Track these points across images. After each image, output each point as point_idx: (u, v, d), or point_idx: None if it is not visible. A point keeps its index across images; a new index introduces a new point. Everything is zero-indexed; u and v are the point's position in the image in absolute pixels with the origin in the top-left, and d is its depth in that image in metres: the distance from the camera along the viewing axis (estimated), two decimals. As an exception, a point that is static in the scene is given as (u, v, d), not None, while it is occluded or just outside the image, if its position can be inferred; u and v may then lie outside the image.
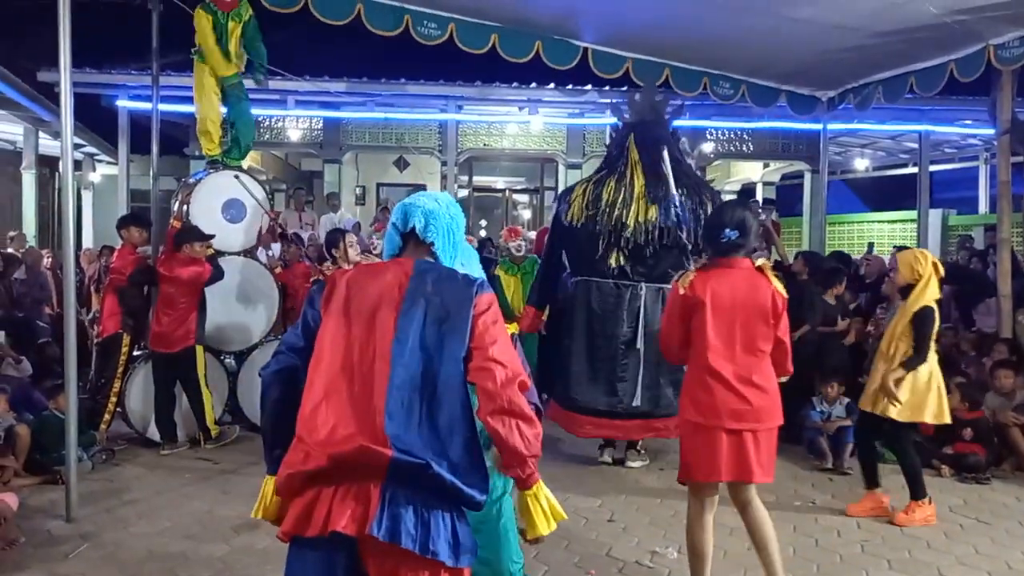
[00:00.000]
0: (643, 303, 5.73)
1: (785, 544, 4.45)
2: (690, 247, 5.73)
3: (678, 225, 5.67)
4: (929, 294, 4.72)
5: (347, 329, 2.05)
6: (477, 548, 2.03)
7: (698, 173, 6.44)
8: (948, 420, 4.89)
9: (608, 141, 6.43)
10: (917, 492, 4.83)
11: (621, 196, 5.74)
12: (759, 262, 3.52)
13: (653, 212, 5.65)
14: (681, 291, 3.43)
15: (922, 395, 4.73)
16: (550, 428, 6.67)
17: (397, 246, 2.33)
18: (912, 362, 4.66)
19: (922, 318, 4.66)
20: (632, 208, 5.68)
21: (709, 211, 5.74)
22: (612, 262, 5.71)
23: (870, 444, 5.14)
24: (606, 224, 5.69)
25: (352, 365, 2.00)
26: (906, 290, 4.81)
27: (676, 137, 6.31)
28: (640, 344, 5.69)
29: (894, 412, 4.71)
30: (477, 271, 2.59)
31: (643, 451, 6.12)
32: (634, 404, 5.70)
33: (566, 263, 6.21)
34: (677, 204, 5.68)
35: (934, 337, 4.74)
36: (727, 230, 3.42)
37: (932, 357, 4.75)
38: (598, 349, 5.78)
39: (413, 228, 2.27)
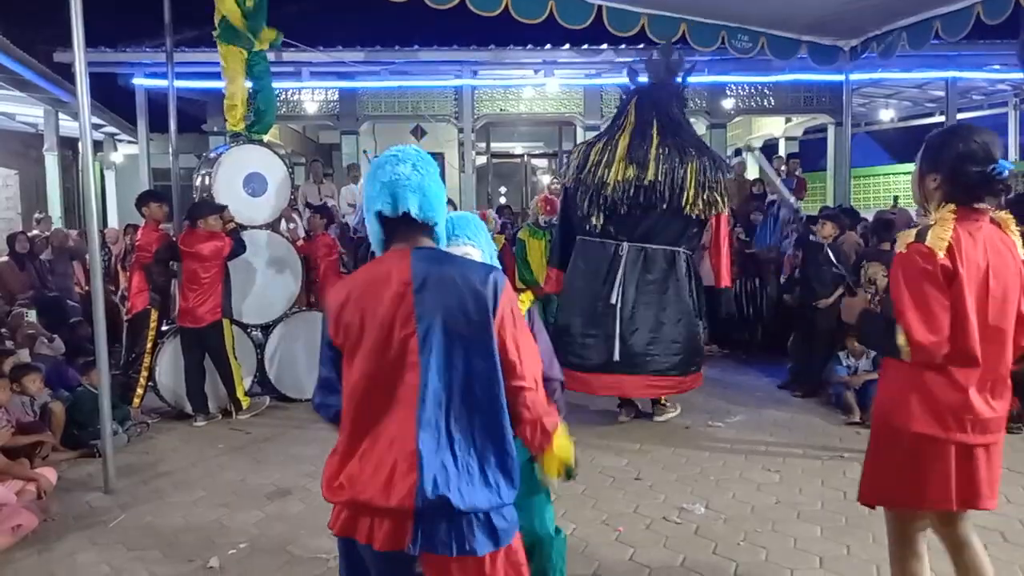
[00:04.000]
0: (624, 261, 5.86)
1: (813, 498, 4.48)
2: (665, 207, 5.77)
3: (659, 183, 5.71)
4: None
5: (365, 358, 1.93)
6: (516, 519, 2.03)
7: (696, 134, 6.44)
8: None
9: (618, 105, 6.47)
10: None
11: (605, 157, 5.90)
12: (995, 213, 2.52)
13: (631, 172, 5.76)
14: (940, 255, 2.35)
15: None
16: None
17: (382, 235, 2.04)
18: None
19: None
20: (613, 168, 5.82)
21: (696, 168, 5.75)
22: (594, 220, 5.88)
23: None
24: (590, 184, 5.87)
25: (376, 399, 1.92)
26: None
27: (681, 96, 6.32)
28: (616, 300, 5.79)
29: None
30: (487, 245, 2.43)
31: (668, 403, 6.18)
32: (614, 359, 5.76)
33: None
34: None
35: None
36: (1001, 162, 2.41)
37: None
38: (588, 306, 5.95)
39: (406, 212, 1.99)
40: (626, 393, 6.01)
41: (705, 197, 5.81)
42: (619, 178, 5.76)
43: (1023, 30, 7.30)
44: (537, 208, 7.35)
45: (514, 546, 2.00)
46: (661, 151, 5.80)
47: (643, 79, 6.27)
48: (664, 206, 5.76)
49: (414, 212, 1.98)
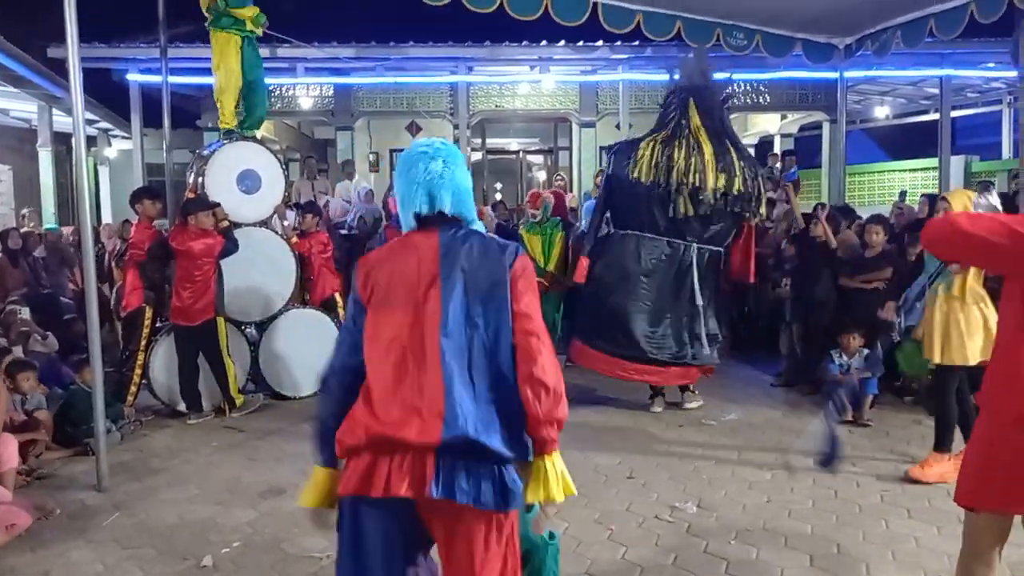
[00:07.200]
0: (693, 263, 6.06)
1: (804, 496, 4.50)
2: (748, 216, 6.14)
3: (746, 195, 6.02)
4: None
5: (394, 313, 2.05)
6: (520, 488, 2.09)
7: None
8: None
9: (662, 101, 6.58)
10: (941, 444, 4.66)
11: (694, 162, 5.95)
12: None
13: (722, 180, 5.95)
14: None
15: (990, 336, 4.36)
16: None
17: (414, 227, 2.15)
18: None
19: None
20: (709, 175, 5.93)
21: (762, 181, 6.19)
22: (695, 225, 6.02)
23: (967, 398, 4.61)
24: (684, 186, 5.93)
25: (404, 348, 2.02)
26: None
27: (726, 107, 6.51)
28: (700, 300, 6.07)
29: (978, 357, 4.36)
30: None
31: (696, 391, 6.42)
32: (704, 352, 6.13)
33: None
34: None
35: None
36: None
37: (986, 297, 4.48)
38: (656, 304, 6.10)
39: (440, 210, 2.12)
40: (691, 380, 6.33)
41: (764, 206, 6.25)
42: (714, 186, 5.92)
43: (1017, 28, 7.33)
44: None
45: (514, 521, 2.08)
46: (741, 163, 6.05)
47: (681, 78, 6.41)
48: (753, 218, 6.15)
49: (447, 209, 2.12)
